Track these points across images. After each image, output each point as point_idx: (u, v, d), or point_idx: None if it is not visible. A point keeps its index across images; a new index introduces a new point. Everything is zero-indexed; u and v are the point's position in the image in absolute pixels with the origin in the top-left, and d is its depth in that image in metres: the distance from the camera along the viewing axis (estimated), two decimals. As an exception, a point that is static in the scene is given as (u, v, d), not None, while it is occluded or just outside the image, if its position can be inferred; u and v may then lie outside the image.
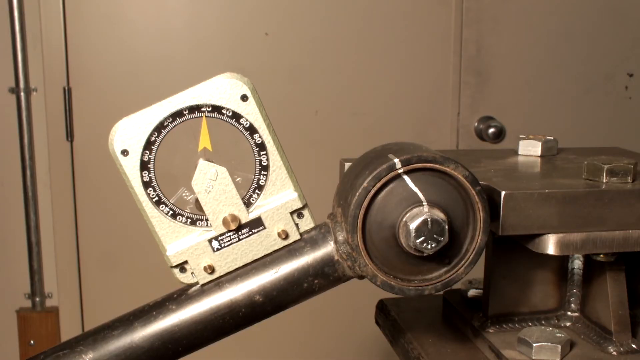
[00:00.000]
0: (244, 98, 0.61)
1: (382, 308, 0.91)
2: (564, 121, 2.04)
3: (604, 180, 0.68)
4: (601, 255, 0.71)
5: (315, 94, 1.90)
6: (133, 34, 1.83)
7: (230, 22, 1.85)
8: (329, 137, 1.92)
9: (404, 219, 0.59)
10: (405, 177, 0.59)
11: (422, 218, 0.58)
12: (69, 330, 1.91)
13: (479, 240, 0.61)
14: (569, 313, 0.79)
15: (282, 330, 1.94)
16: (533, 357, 0.69)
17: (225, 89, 0.61)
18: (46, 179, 1.87)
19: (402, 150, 0.61)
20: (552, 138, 0.86)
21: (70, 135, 1.83)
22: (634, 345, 0.71)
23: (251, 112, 0.62)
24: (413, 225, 0.58)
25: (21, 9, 1.79)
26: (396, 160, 0.59)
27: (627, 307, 0.72)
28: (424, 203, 0.59)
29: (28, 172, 1.85)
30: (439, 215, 0.58)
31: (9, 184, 1.87)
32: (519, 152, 0.86)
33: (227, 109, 0.61)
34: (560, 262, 0.78)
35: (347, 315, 1.95)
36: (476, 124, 1.98)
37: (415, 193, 0.59)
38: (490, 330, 0.76)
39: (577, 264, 0.78)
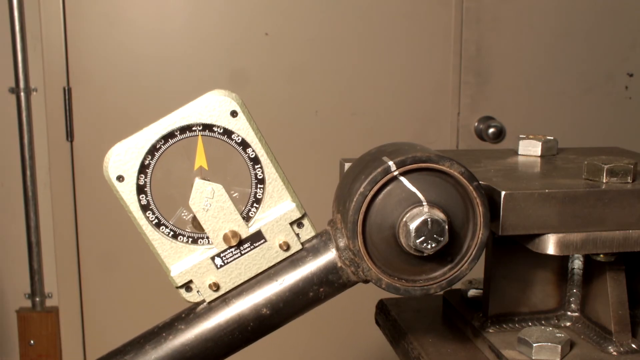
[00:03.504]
0: (234, 114, 0.61)
1: (382, 308, 0.91)
2: (564, 121, 2.04)
3: (604, 180, 0.68)
4: (601, 255, 0.71)
5: (315, 94, 1.90)
6: (133, 34, 1.83)
7: (230, 22, 1.85)
8: (329, 137, 1.92)
9: (404, 219, 0.59)
10: (402, 178, 0.59)
11: (422, 218, 0.57)
12: (69, 330, 1.91)
13: (480, 235, 0.60)
14: (569, 313, 0.79)
15: (281, 331, 1.94)
16: (533, 357, 0.69)
17: (214, 107, 0.61)
18: (46, 179, 1.87)
19: (397, 151, 0.60)
20: (552, 138, 0.86)
21: (70, 135, 1.83)
22: (634, 345, 0.71)
23: (242, 127, 0.62)
24: (413, 226, 0.58)
25: (21, 9, 1.80)
26: (390, 163, 0.58)
27: (627, 307, 0.72)
28: (424, 203, 0.59)
29: (28, 172, 1.85)
30: (439, 215, 0.58)
31: (9, 184, 1.88)
32: (519, 152, 0.85)
33: (218, 126, 0.61)
34: (560, 262, 0.78)
35: (347, 315, 1.95)
36: (476, 124, 1.98)
37: (414, 193, 0.59)
38: (490, 330, 0.76)
39: (577, 264, 0.78)
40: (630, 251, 0.68)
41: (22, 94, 1.82)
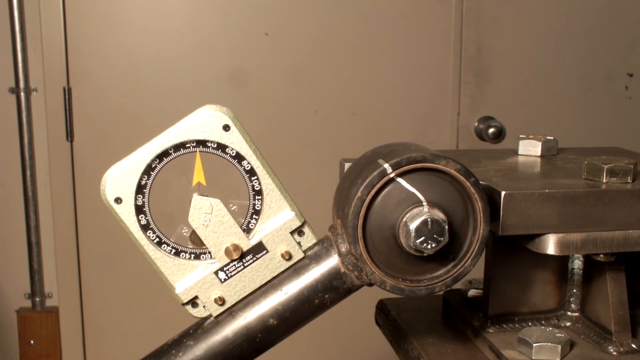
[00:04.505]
0: (226, 128, 0.61)
1: (382, 308, 0.91)
2: (564, 121, 2.04)
3: (604, 180, 0.68)
4: (601, 255, 0.71)
5: (315, 94, 1.90)
6: (133, 34, 1.83)
7: (230, 22, 1.85)
8: (329, 137, 1.92)
9: (404, 219, 0.59)
10: (400, 179, 0.59)
11: (422, 218, 0.57)
12: (69, 330, 1.91)
13: (481, 230, 0.60)
14: (569, 313, 0.79)
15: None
16: (533, 357, 0.69)
17: (206, 122, 0.61)
18: (46, 179, 1.87)
19: (392, 153, 0.60)
20: (552, 138, 0.86)
21: (70, 135, 1.83)
22: (634, 345, 0.71)
23: (235, 141, 0.62)
24: (413, 226, 0.57)
25: (21, 9, 1.80)
26: (386, 166, 0.58)
27: (627, 307, 0.72)
28: (424, 203, 0.59)
29: (28, 172, 1.85)
30: (439, 215, 0.58)
31: (9, 184, 1.88)
32: (519, 152, 0.85)
33: (212, 142, 0.61)
34: (560, 262, 0.78)
35: (346, 316, 1.95)
36: (476, 124, 1.98)
37: (413, 194, 0.59)
38: (490, 330, 0.76)
39: (577, 264, 0.78)
40: (630, 251, 0.68)
41: (22, 94, 1.82)
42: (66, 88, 1.81)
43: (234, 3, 1.84)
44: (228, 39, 1.85)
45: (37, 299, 1.91)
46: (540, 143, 0.84)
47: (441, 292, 0.63)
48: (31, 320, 1.90)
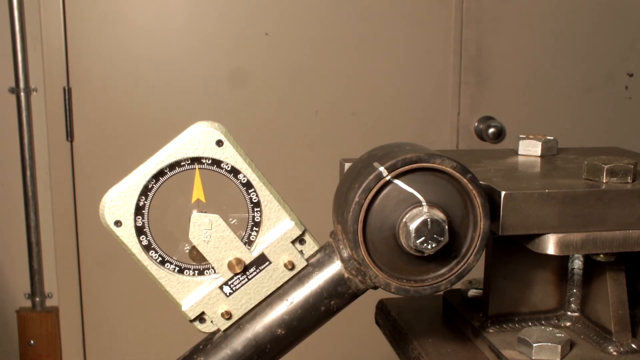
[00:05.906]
0: (219, 143, 0.61)
1: (382, 308, 0.91)
2: (564, 121, 2.04)
3: (604, 180, 0.68)
4: (601, 255, 0.71)
5: (315, 94, 1.90)
6: (133, 34, 1.83)
7: (230, 22, 1.85)
8: (329, 137, 1.92)
9: (404, 220, 0.59)
10: (397, 181, 0.59)
11: (422, 218, 0.57)
12: (69, 330, 1.91)
13: (482, 226, 0.60)
14: (569, 313, 0.79)
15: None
16: (533, 357, 0.69)
17: (199, 140, 0.61)
18: (46, 179, 1.87)
19: (387, 155, 0.60)
20: (552, 138, 0.86)
21: (70, 135, 1.83)
22: (634, 345, 0.71)
23: (230, 155, 0.62)
24: (413, 226, 0.57)
25: (21, 9, 1.80)
26: (381, 169, 0.58)
27: (627, 307, 0.72)
28: (423, 203, 0.59)
29: (28, 172, 1.85)
30: (439, 215, 0.58)
31: (9, 184, 1.88)
32: (519, 152, 0.85)
33: (206, 158, 0.62)
34: (560, 262, 0.78)
35: (347, 315, 1.95)
36: (476, 124, 1.98)
37: (412, 194, 0.59)
38: (490, 330, 0.76)
39: (577, 264, 0.78)
40: (630, 251, 0.68)
41: (22, 94, 1.82)
42: (66, 88, 1.81)
43: (234, 3, 1.84)
44: (228, 39, 1.85)
45: (37, 299, 1.91)
46: (540, 143, 0.84)
47: (446, 290, 0.63)
48: (31, 320, 1.90)
